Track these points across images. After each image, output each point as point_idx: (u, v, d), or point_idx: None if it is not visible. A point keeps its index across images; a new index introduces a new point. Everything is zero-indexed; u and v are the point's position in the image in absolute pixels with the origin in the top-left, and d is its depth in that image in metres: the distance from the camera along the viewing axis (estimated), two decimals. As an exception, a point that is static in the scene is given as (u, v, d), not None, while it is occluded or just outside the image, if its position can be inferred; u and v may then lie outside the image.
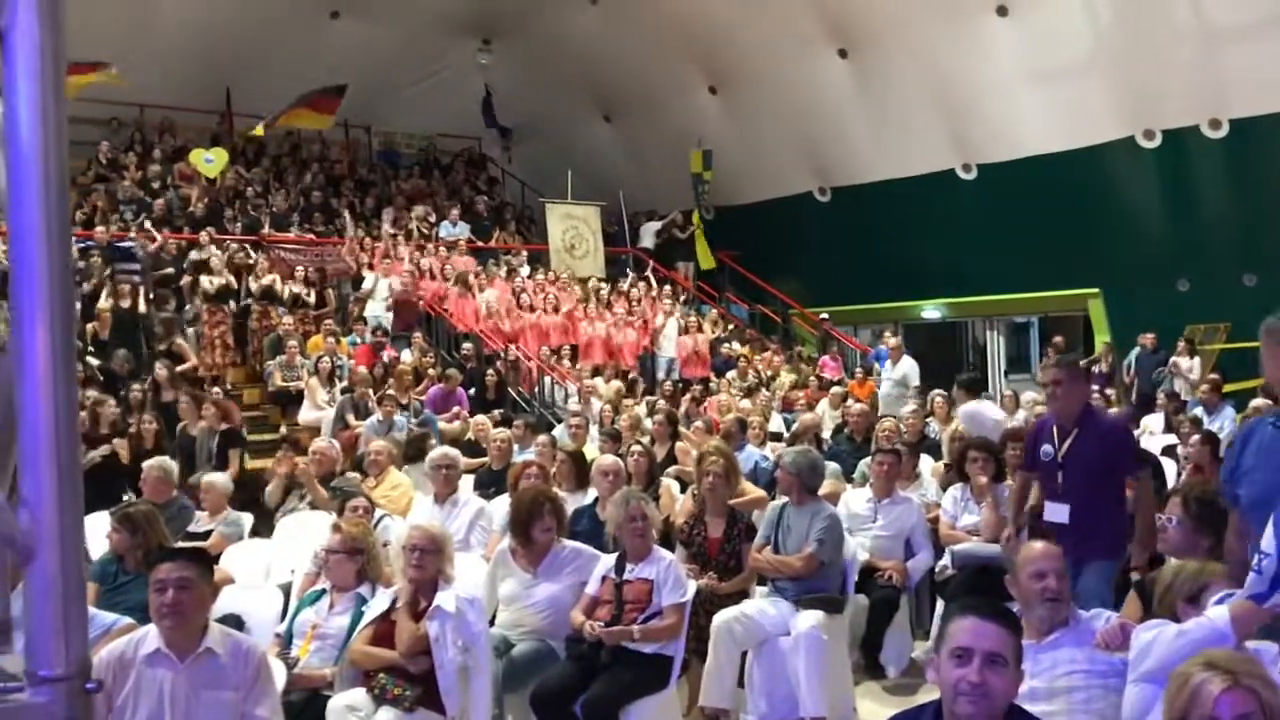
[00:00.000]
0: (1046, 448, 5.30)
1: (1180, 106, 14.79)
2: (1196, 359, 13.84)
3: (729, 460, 6.45)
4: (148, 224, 14.84)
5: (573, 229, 18.63)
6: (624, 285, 17.55)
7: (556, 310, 15.54)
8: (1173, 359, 13.70)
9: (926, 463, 8.21)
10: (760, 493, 7.01)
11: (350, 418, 11.17)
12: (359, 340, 13.87)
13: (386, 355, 13.25)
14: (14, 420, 1.39)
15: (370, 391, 11.55)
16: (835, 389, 13.42)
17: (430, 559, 4.55)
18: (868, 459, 7.56)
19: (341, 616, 4.70)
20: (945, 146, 17.10)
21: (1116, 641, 3.32)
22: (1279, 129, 14.16)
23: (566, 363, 14.61)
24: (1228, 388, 11.85)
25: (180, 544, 5.66)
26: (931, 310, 18.91)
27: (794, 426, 10.12)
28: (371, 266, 15.63)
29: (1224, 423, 9.84)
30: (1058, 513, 5.15)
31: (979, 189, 17.13)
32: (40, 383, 1.38)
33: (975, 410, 8.71)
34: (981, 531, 6.42)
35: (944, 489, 7.27)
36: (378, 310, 14.70)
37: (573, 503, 6.60)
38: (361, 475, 8.01)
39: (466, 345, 14.20)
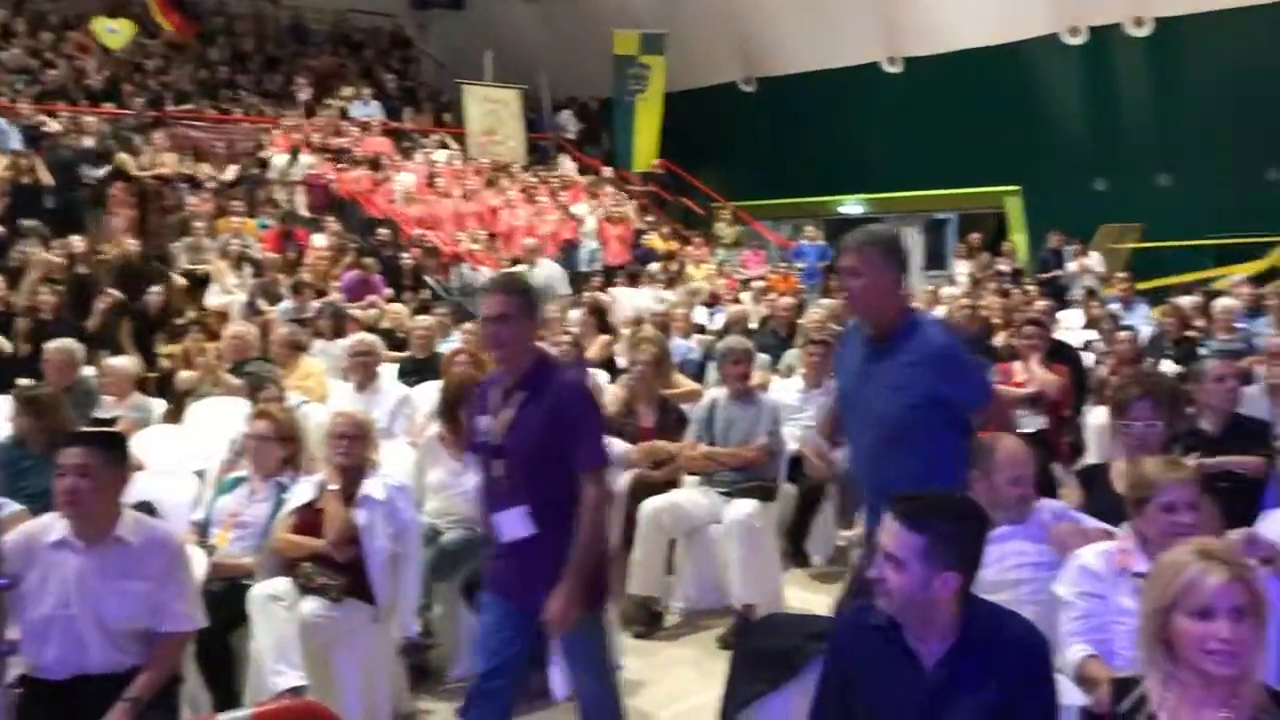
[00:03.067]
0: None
1: (1106, 2, 14.77)
2: (1097, 255, 14.03)
3: (660, 348, 6.35)
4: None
5: (492, 113, 18.03)
6: (545, 172, 17.14)
7: (475, 197, 15.13)
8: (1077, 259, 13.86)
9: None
10: (694, 385, 6.93)
11: (261, 303, 10.78)
12: (268, 223, 13.36)
13: (298, 239, 12.80)
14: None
15: (281, 276, 11.15)
16: (758, 282, 13.35)
17: (357, 446, 4.38)
18: (794, 350, 7.55)
19: (263, 504, 4.50)
20: (872, 38, 16.90)
21: (1076, 545, 3.30)
22: (1201, 28, 14.25)
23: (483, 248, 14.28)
24: (1141, 285, 12.07)
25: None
26: (851, 205, 18.88)
27: (724, 318, 10.06)
28: (279, 146, 15.00)
29: (1139, 320, 10.01)
30: None
31: (904, 83, 17.02)
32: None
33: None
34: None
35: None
36: (287, 191, 14.15)
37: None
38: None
39: (382, 230, 13.76)
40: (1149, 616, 2.26)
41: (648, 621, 5.46)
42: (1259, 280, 11.95)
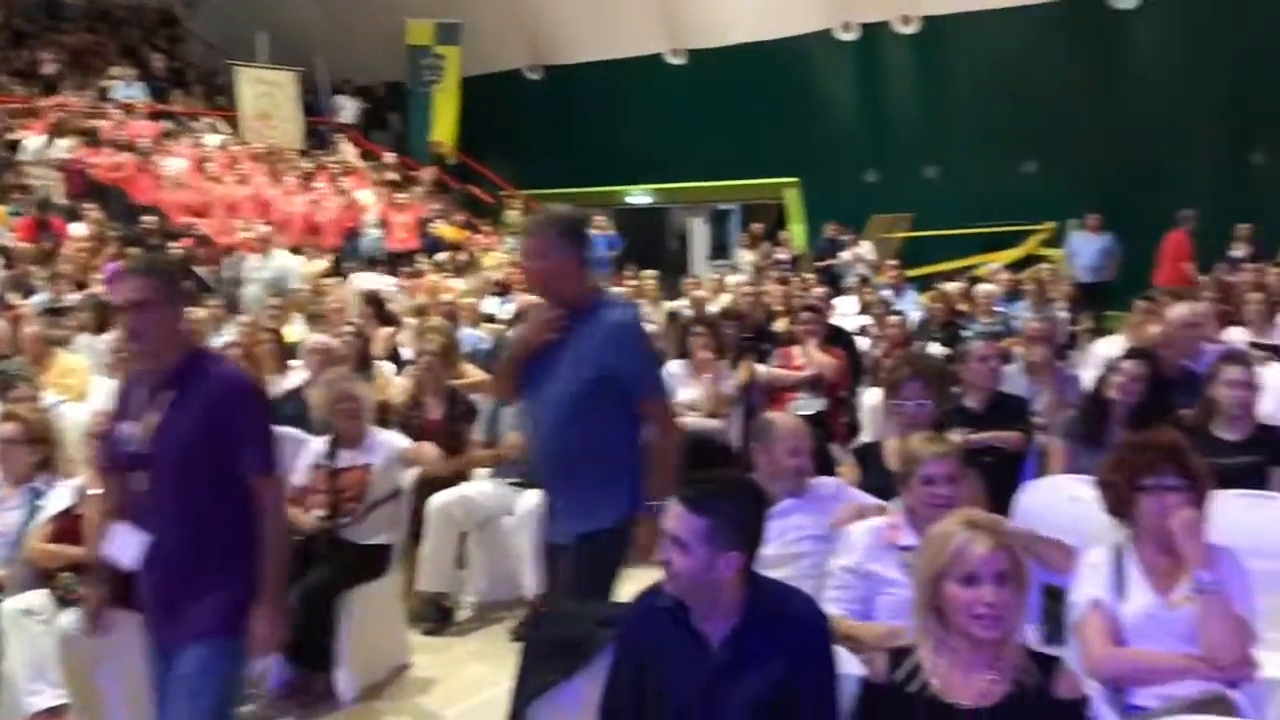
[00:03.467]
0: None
1: (877, 0, 15.44)
2: (868, 243, 14.68)
3: (447, 338, 6.23)
4: None
5: (266, 95, 17.23)
6: (324, 158, 16.57)
7: (248, 182, 14.47)
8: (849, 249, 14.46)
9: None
10: (482, 375, 6.82)
11: (12, 296, 9.97)
12: (20, 211, 12.39)
13: (55, 228, 11.92)
14: None
15: (35, 268, 10.36)
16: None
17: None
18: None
19: (14, 513, 4.16)
20: (655, 30, 17.12)
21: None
22: (965, 27, 15.11)
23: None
24: (911, 272, 12.70)
25: None
26: (639, 195, 19.11)
27: (514, 307, 9.96)
28: (34, 128, 13.92)
29: (909, 305, 10.51)
30: None
31: (687, 75, 17.32)
32: None
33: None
34: (699, 407, 6.52)
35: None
36: (42, 176, 13.16)
37: (274, 387, 6.20)
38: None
39: (148, 219, 12.96)
40: (921, 585, 2.36)
41: (438, 618, 5.37)
42: (1016, 267, 12.80)
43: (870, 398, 6.48)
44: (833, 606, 3.11)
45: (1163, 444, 3.06)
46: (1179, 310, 6.32)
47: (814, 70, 16.46)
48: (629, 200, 19.18)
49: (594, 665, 2.82)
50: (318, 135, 18.24)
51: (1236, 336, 7.02)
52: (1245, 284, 8.70)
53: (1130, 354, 4.91)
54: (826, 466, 5.14)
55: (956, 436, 4.59)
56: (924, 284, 12.45)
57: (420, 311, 9.14)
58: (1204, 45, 13.76)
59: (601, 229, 16.10)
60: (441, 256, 14.08)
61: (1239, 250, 11.61)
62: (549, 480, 3.53)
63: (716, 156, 16.66)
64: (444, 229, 15.78)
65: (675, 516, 2.43)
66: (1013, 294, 10.18)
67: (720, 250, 19.39)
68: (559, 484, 3.46)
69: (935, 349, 8.04)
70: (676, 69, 17.46)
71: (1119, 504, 3.05)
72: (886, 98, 16.38)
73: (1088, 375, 5.66)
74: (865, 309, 10.33)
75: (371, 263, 13.84)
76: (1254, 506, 3.82)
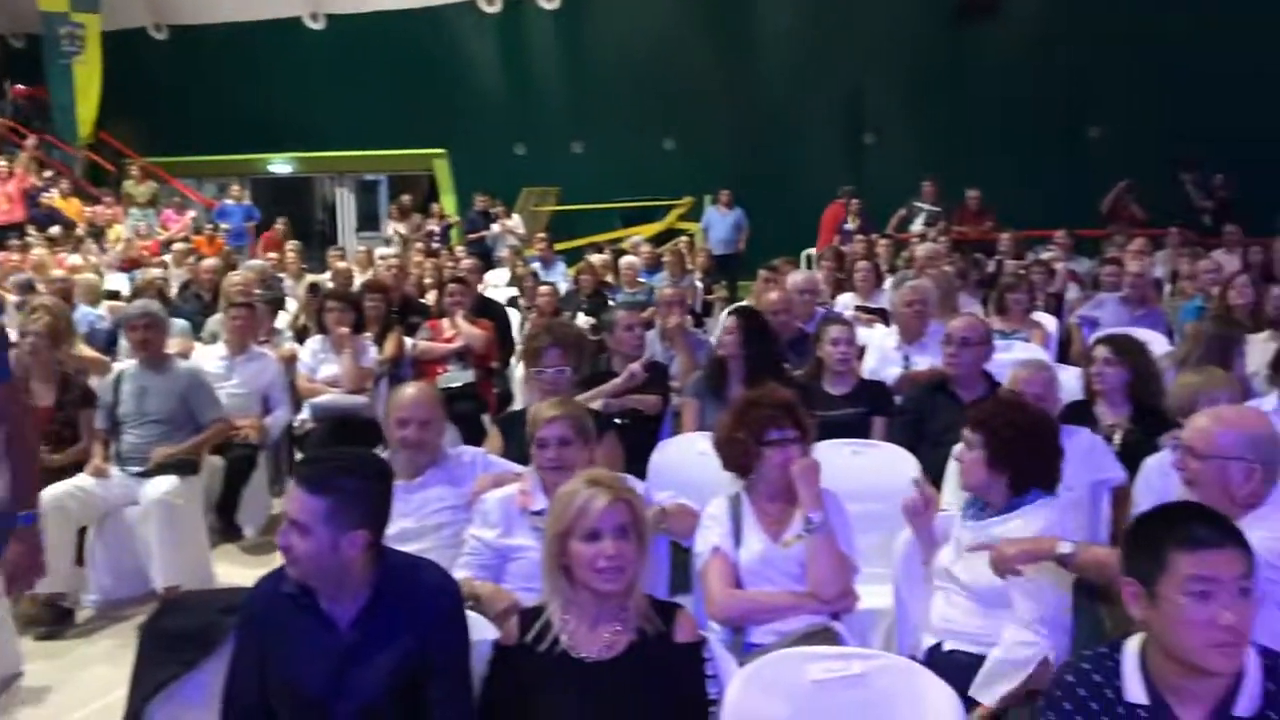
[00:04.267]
0: None
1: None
2: (518, 216, 14.83)
3: (56, 317, 5.70)
4: None
5: None
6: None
7: None
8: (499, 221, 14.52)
9: (284, 317, 7.98)
10: (97, 355, 6.31)
11: None
12: None
13: None
14: None
15: None
16: (179, 245, 12.45)
17: None
18: (217, 316, 7.15)
19: None
20: (293, -9, 16.41)
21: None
22: (606, 5, 15.56)
23: None
24: (560, 245, 12.95)
25: None
26: (280, 164, 18.29)
27: (136, 282, 9.25)
28: None
29: (558, 276, 10.71)
30: None
31: (329, 40, 16.72)
32: None
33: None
34: (341, 383, 6.34)
35: (300, 341, 7.09)
36: None
37: None
38: None
39: None
40: (549, 544, 2.41)
41: (55, 620, 4.90)
42: (659, 240, 13.37)
43: (522, 369, 6.55)
44: (462, 572, 3.12)
45: (780, 400, 3.29)
46: (794, 277, 6.88)
47: (459, 41, 16.37)
48: (271, 169, 18.32)
49: (220, 655, 2.69)
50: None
51: (846, 301, 7.70)
52: (855, 253, 9.52)
53: (731, 312, 5.28)
54: (478, 437, 5.17)
55: (595, 402, 4.76)
56: (573, 256, 12.74)
57: (27, 288, 8.29)
58: (826, 35, 14.92)
59: (237, 199, 15.30)
60: (56, 230, 12.83)
61: (851, 223, 12.68)
62: None
63: (363, 126, 16.25)
64: (57, 199, 14.38)
65: (293, 498, 2.34)
66: (654, 265, 10.62)
67: (370, 222, 18.94)
68: None
69: (583, 319, 8.26)
70: (317, 34, 16.80)
71: (742, 457, 3.24)
72: (532, 72, 16.56)
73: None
74: (516, 281, 10.42)
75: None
76: (857, 454, 4.21)
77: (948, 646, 2.98)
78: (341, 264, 10.25)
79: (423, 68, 16.00)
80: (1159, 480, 3.59)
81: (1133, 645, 2.05)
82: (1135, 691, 2.00)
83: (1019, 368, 4.15)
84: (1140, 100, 13.58)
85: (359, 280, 8.86)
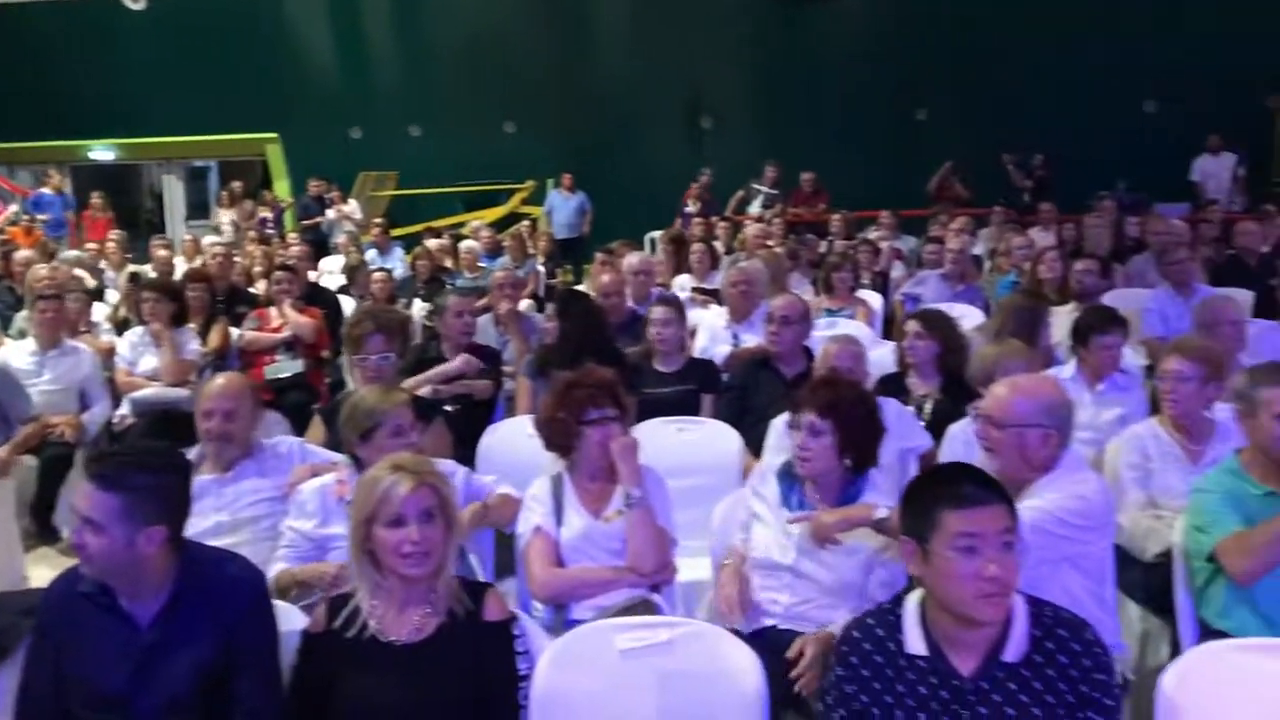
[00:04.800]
0: None
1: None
2: (355, 202, 14.48)
3: None
4: None
5: None
6: None
7: None
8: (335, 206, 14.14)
9: (101, 309, 7.65)
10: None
11: None
12: None
13: None
14: None
15: None
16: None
17: None
18: (25, 311, 6.81)
19: None
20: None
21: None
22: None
23: None
24: (398, 231, 12.74)
25: None
26: (102, 151, 17.48)
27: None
28: None
29: (395, 262, 10.54)
30: None
31: (151, 21, 16.02)
32: None
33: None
34: (162, 376, 6.11)
35: (121, 333, 6.81)
36: None
37: None
38: None
39: None
40: (354, 530, 2.40)
41: None
42: (501, 224, 13.29)
43: (349, 357, 6.44)
44: (280, 564, 3.07)
45: (599, 380, 3.33)
46: (630, 260, 6.94)
47: (290, 21, 15.93)
48: (92, 156, 17.50)
49: (16, 657, 2.59)
50: None
51: (683, 282, 7.80)
52: (693, 236, 9.64)
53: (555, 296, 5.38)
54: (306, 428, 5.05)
55: (425, 389, 4.73)
56: (413, 242, 12.56)
57: None
58: (665, 19, 15.06)
59: (57, 188, 14.57)
60: None
61: (692, 206, 12.83)
62: None
63: (190, 110, 15.67)
64: None
65: (84, 495, 2.27)
66: (495, 250, 10.54)
67: (201, 210, 18.27)
68: None
69: (419, 305, 8.15)
70: (138, 14, 16.07)
71: (563, 437, 3.27)
72: (367, 55, 16.25)
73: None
74: (350, 269, 10.19)
75: None
76: (682, 430, 4.30)
77: (783, 627, 2.94)
78: (163, 253, 9.87)
79: (253, 49, 15.53)
80: (963, 447, 3.77)
81: (913, 600, 2.17)
82: (915, 643, 2.11)
83: (829, 343, 4.31)
84: (965, 85, 14.18)
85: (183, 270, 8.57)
